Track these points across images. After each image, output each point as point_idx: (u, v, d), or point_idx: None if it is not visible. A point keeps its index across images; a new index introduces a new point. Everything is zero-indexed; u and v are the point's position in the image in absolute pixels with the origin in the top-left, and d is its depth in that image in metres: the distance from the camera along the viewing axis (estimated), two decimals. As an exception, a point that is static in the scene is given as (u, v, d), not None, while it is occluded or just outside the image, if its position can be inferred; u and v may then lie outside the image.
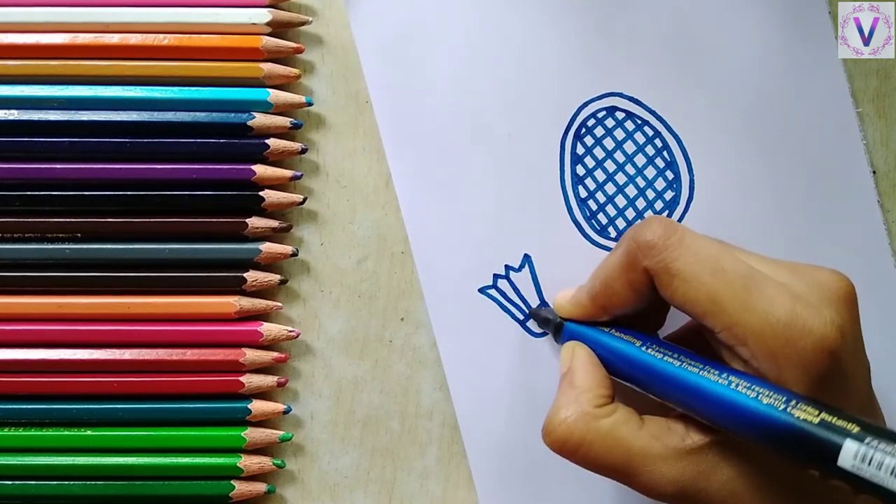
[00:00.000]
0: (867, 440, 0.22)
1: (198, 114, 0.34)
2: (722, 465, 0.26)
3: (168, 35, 0.34)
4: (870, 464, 0.22)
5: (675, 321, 0.32)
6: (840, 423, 0.23)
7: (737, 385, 0.25)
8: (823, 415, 0.23)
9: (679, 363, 0.27)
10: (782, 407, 0.24)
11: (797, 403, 0.24)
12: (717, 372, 0.26)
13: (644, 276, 0.28)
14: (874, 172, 0.35)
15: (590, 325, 0.31)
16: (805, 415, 0.23)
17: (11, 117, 0.34)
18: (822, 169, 0.35)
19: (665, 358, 0.28)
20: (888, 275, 0.35)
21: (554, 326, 0.33)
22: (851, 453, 0.22)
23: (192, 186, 0.34)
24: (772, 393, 0.24)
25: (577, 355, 0.30)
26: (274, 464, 0.35)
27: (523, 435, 0.35)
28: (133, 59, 0.34)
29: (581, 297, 0.31)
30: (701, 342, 0.28)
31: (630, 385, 0.29)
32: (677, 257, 0.26)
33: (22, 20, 0.34)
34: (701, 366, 0.27)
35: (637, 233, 0.28)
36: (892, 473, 0.21)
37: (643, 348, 0.29)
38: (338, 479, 0.36)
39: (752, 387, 0.25)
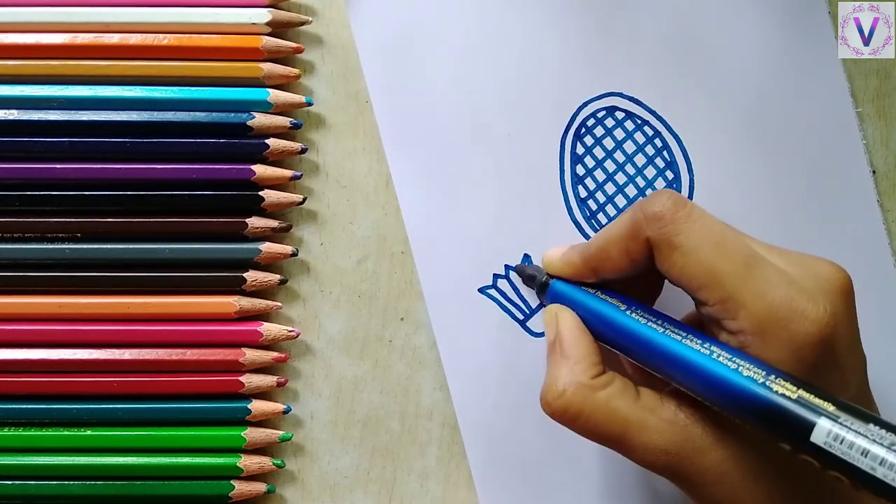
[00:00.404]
0: (842, 419, 0.22)
1: (198, 114, 0.34)
2: (715, 444, 0.26)
3: (168, 35, 0.34)
4: (841, 443, 0.22)
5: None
6: (816, 401, 0.23)
7: (718, 356, 0.25)
8: (801, 392, 0.23)
9: (662, 330, 0.27)
10: (761, 380, 0.24)
11: (776, 378, 0.24)
12: (699, 341, 0.26)
13: (643, 246, 0.28)
14: (874, 172, 0.35)
15: (577, 286, 0.31)
16: (783, 389, 0.23)
17: (11, 117, 0.34)
18: (822, 169, 0.35)
19: (648, 323, 0.28)
20: (888, 275, 0.35)
21: (539, 284, 0.33)
22: (824, 431, 0.22)
23: (192, 186, 0.34)
24: (752, 366, 0.25)
25: (564, 321, 0.30)
26: (274, 464, 0.35)
27: (524, 435, 0.35)
28: (133, 59, 0.34)
29: (572, 256, 0.31)
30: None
31: (613, 350, 0.29)
32: (681, 231, 0.27)
33: (22, 20, 0.34)
34: (683, 334, 0.27)
35: (646, 203, 0.28)
36: (863, 454, 0.22)
37: (627, 312, 0.29)
38: (338, 479, 0.36)
39: (734, 358, 0.25)
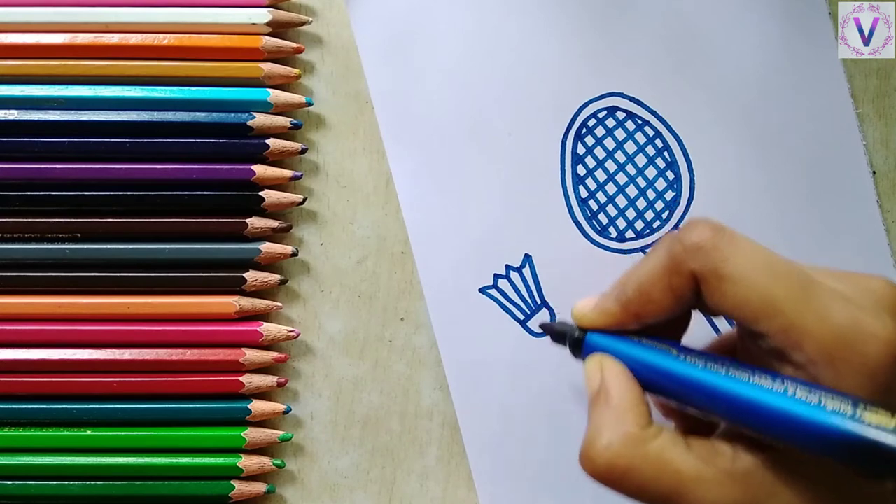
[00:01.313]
0: None
1: (198, 114, 0.34)
2: (778, 487, 0.24)
3: (168, 35, 0.34)
4: None
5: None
6: None
7: (794, 391, 0.23)
8: None
9: (725, 371, 0.25)
10: (850, 412, 0.21)
11: (867, 408, 0.21)
12: (770, 378, 0.23)
13: (689, 280, 0.25)
14: (874, 172, 0.35)
15: (617, 336, 0.28)
16: (878, 420, 0.21)
17: (11, 117, 0.34)
18: (822, 169, 0.35)
19: (709, 366, 0.25)
20: (888, 275, 0.35)
21: (572, 340, 0.29)
22: None
23: (192, 186, 0.34)
24: (837, 398, 0.22)
25: (610, 370, 0.27)
26: (274, 464, 0.35)
27: (523, 435, 0.35)
28: (133, 59, 0.34)
29: (608, 305, 0.28)
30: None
31: (667, 400, 0.27)
32: (728, 258, 0.25)
33: (22, 20, 0.34)
34: (750, 373, 0.24)
35: (683, 235, 0.26)
36: None
37: (681, 357, 0.26)
38: (338, 479, 0.36)
39: (813, 392, 0.22)
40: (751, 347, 0.26)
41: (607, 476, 0.25)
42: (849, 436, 0.21)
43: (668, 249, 0.26)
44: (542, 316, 0.35)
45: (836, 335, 0.23)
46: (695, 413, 0.26)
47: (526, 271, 0.35)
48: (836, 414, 0.22)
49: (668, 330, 0.28)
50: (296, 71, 0.35)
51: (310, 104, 0.35)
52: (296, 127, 0.35)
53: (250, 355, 0.34)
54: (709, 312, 0.26)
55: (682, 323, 0.30)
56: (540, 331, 0.35)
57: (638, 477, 0.24)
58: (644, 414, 0.25)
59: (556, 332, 0.30)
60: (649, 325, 0.27)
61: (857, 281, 0.25)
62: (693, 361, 0.25)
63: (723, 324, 0.34)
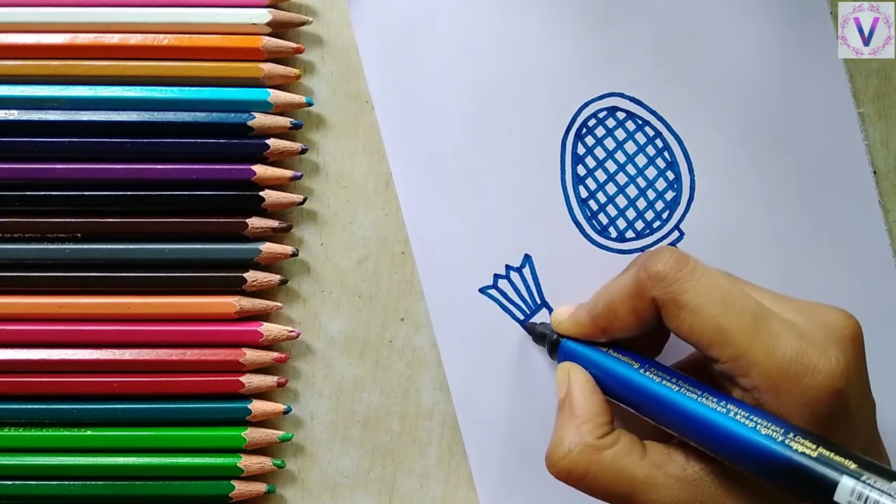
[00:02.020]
0: (864, 477, 0.22)
1: (198, 114, 0.34)
2: (723, 495, 0.26)
3: (168, 35, 0.34)
4: (865, 501, 0.22)
5: (673, 352, 0.32)
6: (838, 458, 0.23)
7: (735, 414, 0.25)
8: (821, 449, 0.23)
9: (677, 388, 0.27)
10: (780, 438, 0.24)
11: (795, 436, 0.24)
12: (715, 399, 0.26)
13: (650, 305, 0.28)
14: (875, 173, 0.35)
15: (588, 345, 0.31)
16: (803, 448, 0.23)
17: (11, 117, 0.34)
18: (822, 169, 0.35)
19: (663, 382, 0.28)
20: (888, 275, 0.35)
21: (550, 343, 0.32)
22: (848, 490, 0.22)
23: (192, 186, 0.34)
24: (770, 424, 0.24)
25: (575, 379, 0.30)
26: (274, 464, 0.35)
27: (523, 435, 0.35)
28: (133, 59, 0.34)
29: (581, 316, 0.31)
30: (703, 374, 0.28)
31: (627, 408, 0.29)
32: (687, 289, 0.27)
33: (22, 20, 0.34)
34: (699, 392, 0.27)
35: (648, 262, 0.28)
36: None
37: (641, 371, 0.28)
38: (338, 480, 0.36)
39: (751, 417, 0.25)
40: (709, 368, 0.28)
41: (566, 479, 0.28)
42: (776, 458, 0.24)
43: (634, 274, 0.28)
44: (542, 316, 0.35)
45: (780, 366, 0.25)
46: (651, 422, 0.28)
47: (526, 271, 0.35)
48: (768, 438, 0.24)
49: (644, 343, 0.31)
50: (296, 71, 0.35)
51: (310, 104, 0.35)
52: (296, 127, 0.35)
53: (250, 355, 0.34)
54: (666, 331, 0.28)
55: (661, 338, 0.32)
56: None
57: (593, 481, 0.27)
58: (602, 424, 0.28)
59: (536, 334, 0.34)
60: (618, 338, 0.30)
61: (815, 314, 0.27)
62: (651, 376, 0.28)
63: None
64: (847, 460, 0.23)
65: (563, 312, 0.32)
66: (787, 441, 0.24)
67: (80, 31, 0.34)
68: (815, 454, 0.23)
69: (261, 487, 0.35)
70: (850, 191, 0.35)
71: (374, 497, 0.36)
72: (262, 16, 0.34)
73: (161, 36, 0.34)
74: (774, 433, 0.24)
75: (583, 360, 0.31)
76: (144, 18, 0.34)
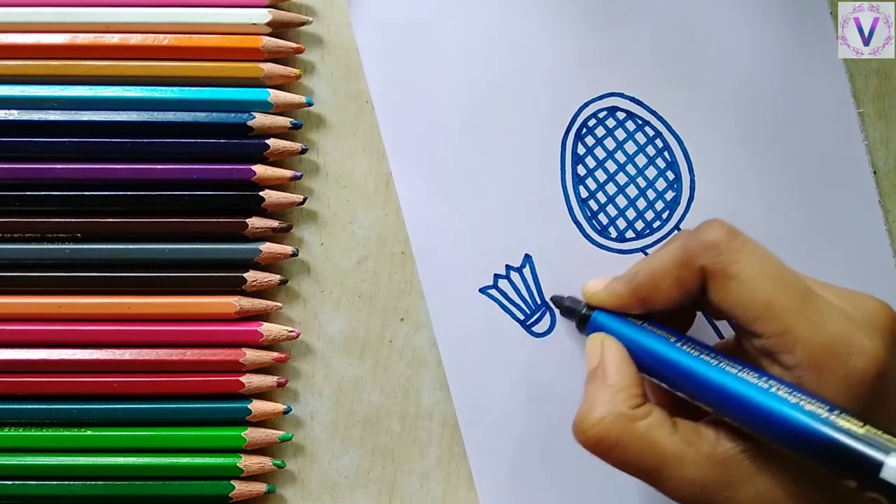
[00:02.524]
0: None
1: (198, 114, 0.34)
2: (754, 476, 0.25)
3: (168, 35, 0.34)
4: None
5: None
6: (885, 437, 0.23)
7: (777, 389, 0.25)
8: (868, 427, 0.23)
9: (716, 362, 0.26)
10: (825, 416, 0.23)
11: (840, 413, 0.24)
12: (756, 375, 0.25)
13: (696, 275, 0.27)
14: (874, 173, 0.35)
15: (621, 317, 0.30)
16: (849, 425, 0.23)
17: (11, 117, 0.34)
18: (822, 169, 0.35)
19: (702, 356, 0.27)
20: (888, 275, 0.35)
21: (579, 316, 0.32)
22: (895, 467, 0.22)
23: (192, 186, 0.34)
24: (814, 401, 0.24)
25: (609, 349, 0.29)
26: (274, 464, 0.35)
27: (523, 435, 0.35)
28: (133, 59, 0.34)
29: (618, 287, 0.30)
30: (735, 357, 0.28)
31: (660, 383, 0.29)
32: (737, 260, 0.26)
33: (22, 20, 0.34)
34: (739, 367, 0.26)
35: (699, 232, 0.27)
36: None
37: (678, 344, 0.28)
38: (338, 480, 0.36)
39: (794, 393, 0.24)
40: (745, 345, 0.27)
41: (596, 447, 0.27)
42: (820, 436, 0.23)
43: (682, 243, 0.28)
44: (542, 316, 0.35)
45: (826, 344, 0.25)
46: (685, 398, 0.28)
47: (526, 271, 0.35)
48: (812, 415, 0.24)
49: (674, 322, 0.30)
50: (296, 71, 0.35)
51: (310, 104, 0.35)
52: (296, 127, 0.35)
53: (250, 355, 0.34)
54: (709, 311, 0.28)
55: (685, 322, 0.31)
56: (541, 331, 0.35)
57: (624, 452, 0.26)
58: (636, 395, 0.27)
59: (565, 307, 0.33)
60: (653, 312, 0.29)
61: (857, 300, 0.27)
62: (688, 350, 0.27)
63: (726, 329, 0.34)
64: (894, 439, 0.23)
65: (597, 284, 0.31)
66: (832, 418, 0.23)
67: (80, 31, 0.34)
68: (861, 432, 0.23)
69: (261, 487, 0.35)
70: (850, 191, 0.35)
71: (374, 497, 0.36)
72: (262, 16, 0.34)
73: (161, 36, 0.34)
74: (819, 410, 0.24)
75: (615, 332, 0.30)
76: (144, 18, 0.34)
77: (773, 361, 0.26)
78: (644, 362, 0.29)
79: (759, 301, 0.26)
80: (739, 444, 0.26)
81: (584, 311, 0.32)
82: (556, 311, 0.35)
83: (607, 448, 0.27)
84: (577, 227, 0.35)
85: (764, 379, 0.25)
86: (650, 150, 0.35)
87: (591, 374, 0.29)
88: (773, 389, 0.25)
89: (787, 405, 0.24)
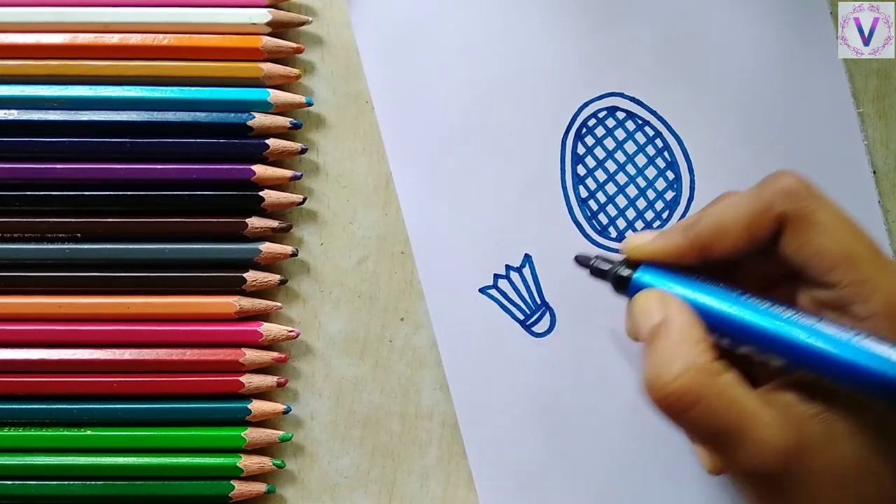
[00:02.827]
0: None
1: (198, 114, 0.34)
2: (829, 443, 0.24)
3: (168, 35, 0.34)
4: None
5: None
6: None
7: (860, 336, 0.23)
8: None
9: (792, 314, 0.25)
10: None
11: None
12: (837, 326, 0.24)
13: (772, 222, 0.26)
14: (874, 173, 0.35)
15: (672, 272, 0.27)
16: None
17: (11, 117, 0.34)
18: (822, 169, 0.35)
19: (772, 308, 0.25)
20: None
21: (616, 277, 0.28)
22: None
23: (192, 186, 0.34)
24: None
25: (674, 303, 0.26)
26: (274, 464, 0.35)
27: (523, 435, 0.35)
28: (133, 59, 0.34)
29: (674, 236, 0.28)
30: None
31: (721, 341, 0.26)
32: (818, 208, 0.26)
33: (22, 20, 0.34)
34: (816, 318, 0.25)
35: (774, 180, 0.27)
36: None
37: (744, 297, 0.26)
38: (338, 480, 0.36)
39: (880, 339, 0.23)
40: (802, 300, 0.27)
41: (676, 404, 0.24)
42: None
43: (757, 191, 0.27)
44: (542, 316, 0.35)
45: None
46: (755, 356, 0.26)
47: (526, 271, 0.35)
48: None
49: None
50: (296, 71, 0.35)
51: (310, 104, 0.35)
52: (296, 127, 0.35)
53: (250, 355, 0.34)
54: (776, 263, 0.27)
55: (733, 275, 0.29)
56: (541, 330, 0.35)
57: (705, 408, 0.24)
58: (711, 349, 0.25)
59: (595, 268, 0.29)
60: (708, 263, 0.27)
61: None
62: (756, 303, 0.25)
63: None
64: None
65: (642, 237, 0.28)
66: None
67: (80, 31, 0.34)
68: None
69: (261, 487, 0.35)
70: (850, 191, 0.35)
71: (374, 497, 0.36)
72: (262, 16, 0.34)
73: (161, 36, 0.34)
74: None
75: (668, 288, 0.27)
76: (144, 18, 0.34)
77: (842, 313, 0.25)
78: (706, 318, 0.26)
79: (838, 249, 0.25)
80: (813, 406, 0.25)
81: (622, 270, 0.28)
82: (587, 272, 0.30)
83: (688, 405, 0.24)
84: (577, 227, 0.35)
85: (846, 328, 0.24)
86: (650, 150, 0.35)
87: (655, 331, 0.26)
88: (856, 340, 0.23)
89: (875, 350, 0.23)
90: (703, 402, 0.24)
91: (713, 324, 0.26)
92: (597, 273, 0.29)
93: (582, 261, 0.30)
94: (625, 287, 0.28)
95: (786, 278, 0.27)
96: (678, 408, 0.24)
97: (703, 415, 0.24)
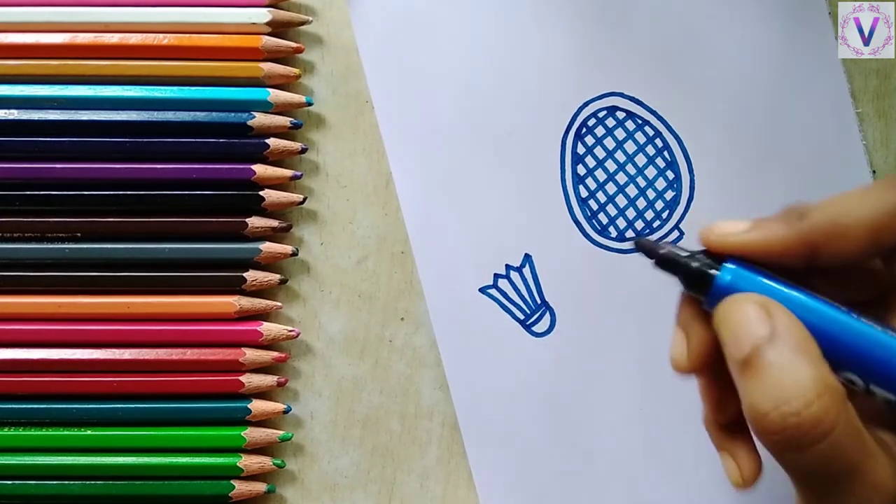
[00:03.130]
0: None
1: (198, 114, 0.34)
2: None
3: (168, 35, 0.34)
4: None
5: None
6: None
7: None
8: None
9: None
10: None
11: None
12: None
13: None
14: (874, 172, 0.35)
15: (767, 273, 0.22)
16: None
17: (11, 117, 0.34)
18: (822, 169, 0.35)
19: (886, 332, 0.21)
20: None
21: (692, 271, 0.22)
22: None
23: (192, 186, 0.34)
24: None
25: (783, 313, 0.21)
26: (274, 464, 0.35)
27: (523, 435, 0.35)
28: (133, 59, 0.34)
29: (778, 228, 0.22)
30: None
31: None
32: None
33: (22, 20, 0.34)
34: None
35: None
36: None
37: (850, 315, 0.21)
38: (338, 479, 0.36)
39: None
40: None
41: (808, 434, 0.19)
42: None
43: (887, 185, 0.22)
44: (542, 316, 0.35)
45: None
46: (858, 386, 0.21)
47: (526, 271, 0.35)
48: None
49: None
50: (296, 71, 0.35)
51: (310, 104, 0.35)
52: (296, 127, 0.35)
53: (250, 355, 0.34)
54: (883, 273, 0.23)
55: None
56: (541, 330, 0.35)
57: (836, 440, 0.19)
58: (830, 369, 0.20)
59: (664, 259, 0.23)
60: (819, 267, 0.22)
61: None
62: (867, 322, 0.21)
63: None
64: None
65: (734, 225, 0.22)
66: None
67: (80, 31, 0.34)
68: None
69: (261, 487, 0.35)
70: (850, 190, 0.35)
71: (374, 497, 0.36)
72: (262, 15, 0.34)
73: (161, 36, 0.34)
74: None
75: (764, 293, 0.21)
76: (144, 18, 0.34)
77: None
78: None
79: None
80: None
81: (703, 265, 0.22)
82: (649, 259, 0.23)
83: (820, 436, 0.19)
84: (577, 227, 0.35)
85: None
86: (650, 150, 0.35)
87: (761, 347, 0.20)
88: None
89: None
90: (836, 432, 0.19)
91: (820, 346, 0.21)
92: (666, 263, 0.23)
93: (645, 246, 0.23)
94: (705, 286, 0.22)
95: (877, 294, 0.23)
96: (809, 439, 0.19)
97: (831, 448, 0.19)
